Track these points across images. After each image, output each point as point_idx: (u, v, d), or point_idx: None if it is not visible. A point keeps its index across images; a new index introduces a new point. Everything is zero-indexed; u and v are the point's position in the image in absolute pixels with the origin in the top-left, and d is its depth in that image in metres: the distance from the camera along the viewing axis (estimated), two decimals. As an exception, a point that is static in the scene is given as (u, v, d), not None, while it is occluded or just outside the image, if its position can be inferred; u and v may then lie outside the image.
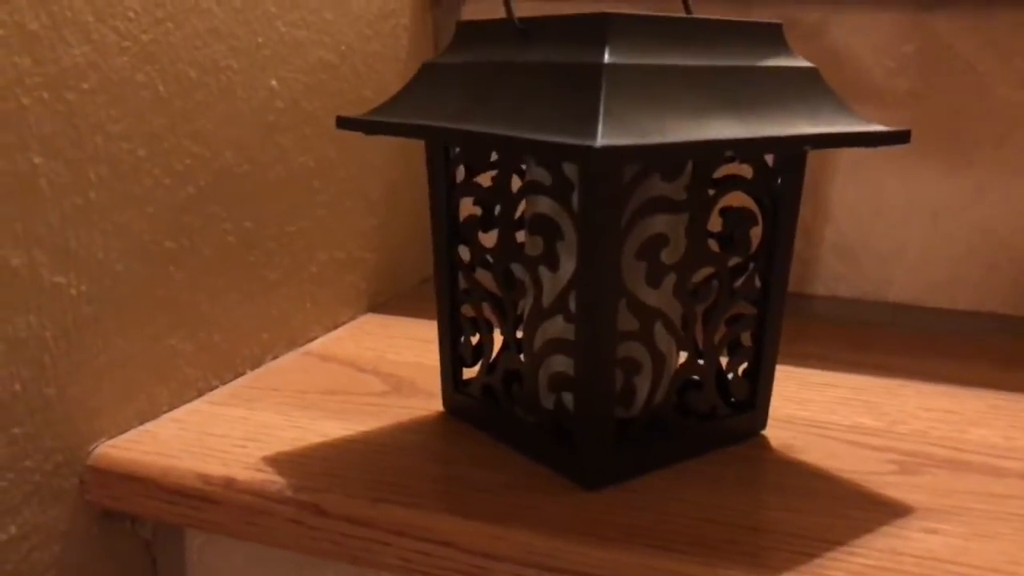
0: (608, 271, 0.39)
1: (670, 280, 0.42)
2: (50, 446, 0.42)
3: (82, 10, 0.42)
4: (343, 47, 0.62)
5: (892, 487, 0.43)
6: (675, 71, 0.38)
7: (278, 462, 0.44)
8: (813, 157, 0.66)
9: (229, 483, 0.42)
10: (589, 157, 0.33)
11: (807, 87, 0.43)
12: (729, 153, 0.38)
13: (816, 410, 0.52)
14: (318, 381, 0.55)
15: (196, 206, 0.50)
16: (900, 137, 0.43)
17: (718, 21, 0.41)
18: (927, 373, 0.58)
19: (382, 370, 0.57)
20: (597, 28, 0.37)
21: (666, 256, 0.41)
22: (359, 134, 0.63)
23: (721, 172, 0.44)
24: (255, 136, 0.54)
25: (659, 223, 0.41)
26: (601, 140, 0.33)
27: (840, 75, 0.65)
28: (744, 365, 0.47)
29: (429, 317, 0.57)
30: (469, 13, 0.74)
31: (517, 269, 0.44)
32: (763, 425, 0.48)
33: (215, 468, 0.43)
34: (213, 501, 0.42)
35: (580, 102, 0.35)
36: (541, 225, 0.42)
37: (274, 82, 0.55)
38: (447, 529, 0.39)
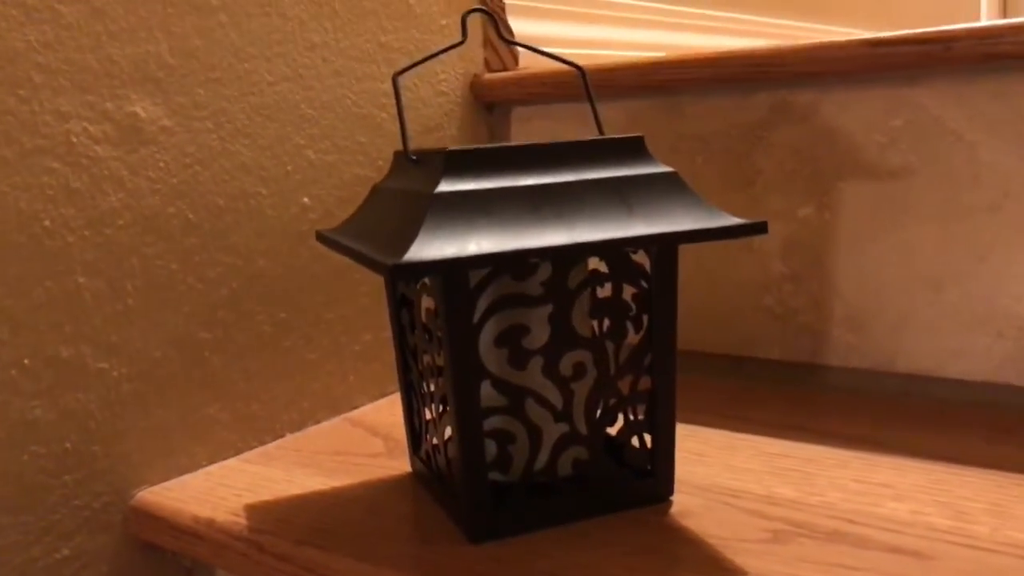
0: (466, 357, 0.47)
1: (537, 362, 0.49)
2: (98, 490, 0.57)
3: (118, 168, 0.57)
4: (380, 163, 0.74)
5: (746, 554, 0.46)
6: (507, 193, 0.46)
7: (254, 508, 0.55)
8: (817, 235, 0.69)
9: (210, 523, 0.54)
10: (385, 272, 0.41)
11: (666, 191, 0.48)
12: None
13: (744, 480, 0.55)
14: (335, 443, 0.66)
15: (229, 304, 0.64)
16: (751, 229, 0.47)
17: (568, 144, 0.48)
18: (899, 446, 0.58)
19: (391, 435, 0.67)
20: (439, 161, 0.46)
21: (529, 342, 0.48)
22: (389, 234, 0.75)
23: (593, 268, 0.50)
24: (287, 244, 0.67)
25: (519, 315, 0.48)
26: (403, 259, 0.41)
27: (833, 153, 0.68)
28: (639, 436, 0.52)
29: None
30: (518, 117, 0.84)
31: (428, 358, 0.53)
32: (669, 491, 0.52)
33: (205, 511, 0.55)
34: (198, 537, 0.54)
35: (409, 226, 0.44)
36: (430, 320, 0.50)
37: (306, 199, 0.68)
38: (342, 568, 0.48)
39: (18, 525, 0.53)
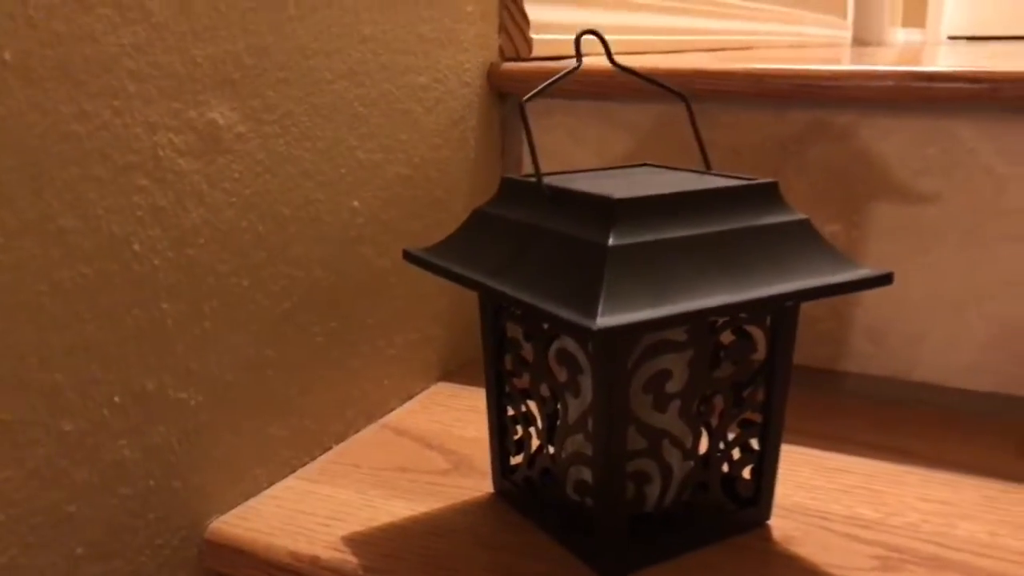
0: (618, 402, 0.47)
1: (675, 405, 0.50)
2: (177, 524, 0.53)
3: (199, 182, 0.52)
4: (416, 160, 0.71)
5: (870, 583, 0.49)
6: (673, 244, 0.46)
7: (354, 541, 0.53)
8: (848, 251, 0.72)
9: (314, 560, 0.52)
10: (587, 336, 0.41)
11: (800, 239, 0.50)
12: (713, 318, 0.46)
13: (823, 499, 0.58)
14: (392, 457, 0.64)
15: (290, 318, 0.60)
16: (882, 280, 0.49)
17: (716, 190, 0.49)
18: (937, 458, 0.63)
19: (446, 446, 0.66)
20: (605, 209, 0.45)
21: (670, 386, 0.49)
22: (431, 232, 0.73)
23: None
24: (339, 251, 0.64)
25: (664, 360, 0.49)
26: (599, 321, 0.41)
27: (866, 174, 0.71)
28: (747, 468, 0.54)
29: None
30: (533, 110, 0.82)
31: (546, 389, 0.52)
32: (768, 516, 0.55)
33: (303, 547, 0.53)
34: (301, 575, 0.52)
35: (587, 281, 0.43)
36: (566, 359, 0.50)
37: (356, 203, 0.65)
38: (484, 612, 0.48)
39: (109, 573, 0.49)
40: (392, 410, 0.72)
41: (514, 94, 0.83)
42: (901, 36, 3.71)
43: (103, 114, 0.46)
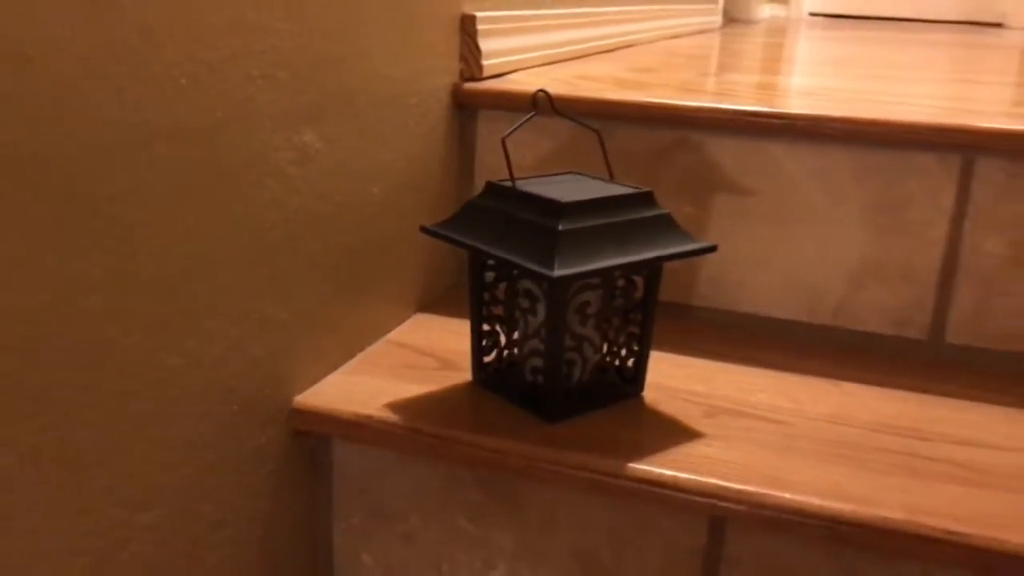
0: (560, 319, 0.81)
1: (591, 322, 0.84)
2: (277, 398, 0.85)
3: (298, 181, 0.82)
4: (410, 156, 1.02)
5: (698, 423, 0.85)
6: (594, 228, 0.79)
7: (391, 406, 0.86)
8: (695, 226, 1.08)
9: (368, 417, 0.84)
10: (550, 280, 0.74)
11: (664, 225, 0.84)
12: (617, 273, 0.80)
13: (676, 382, 0.94)
14: (399, 360, 0.97)
15: (342, 268, 0.91)
16: (710, 249, 0.84)
17: (616, 197, 0.82)
18: (749, 359, 1.01)
19: (434, 354, 0.99)
20: (556, 208, 0.79)
21: (589, 311, 0.83)
22: (416, 208, 1.04)
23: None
24: (365, 223, 0.95)
25: (586, 295, 0.83)
26: (556, 272, 0.74)
27: (711, 174, 1.07)
28: (631, 360, 0.89)
29: (457, 316, 0.98)
30: (483, 118, 1.14)
31: (511, 312, 0.86)
32: (642, 390, 0.91)
33: (359, 409, 0.85)
34: (360, 426, 0.84)
35: (547, 249, 0.77)
36: (527, 294, 0.83)
37: (375, 189, 0.96)
38: (478, 441, 0.81)
39: (249, 423, 0.80)
40: (390, 331, 1.04)
41: (470, 106, 1.14)
42: (767, 12, 4.15)
43: (254, 144, 0.76)
